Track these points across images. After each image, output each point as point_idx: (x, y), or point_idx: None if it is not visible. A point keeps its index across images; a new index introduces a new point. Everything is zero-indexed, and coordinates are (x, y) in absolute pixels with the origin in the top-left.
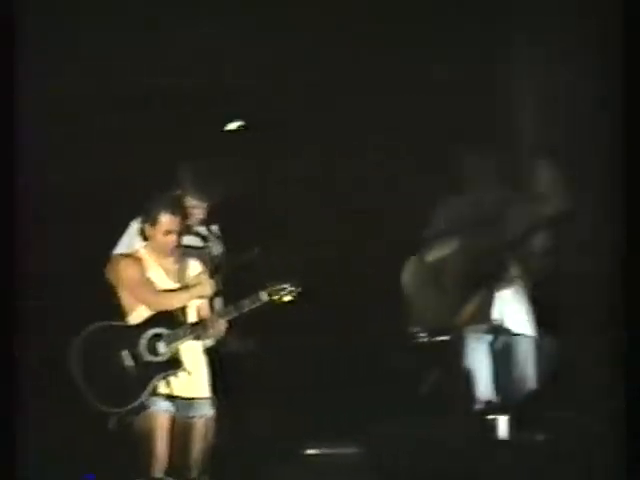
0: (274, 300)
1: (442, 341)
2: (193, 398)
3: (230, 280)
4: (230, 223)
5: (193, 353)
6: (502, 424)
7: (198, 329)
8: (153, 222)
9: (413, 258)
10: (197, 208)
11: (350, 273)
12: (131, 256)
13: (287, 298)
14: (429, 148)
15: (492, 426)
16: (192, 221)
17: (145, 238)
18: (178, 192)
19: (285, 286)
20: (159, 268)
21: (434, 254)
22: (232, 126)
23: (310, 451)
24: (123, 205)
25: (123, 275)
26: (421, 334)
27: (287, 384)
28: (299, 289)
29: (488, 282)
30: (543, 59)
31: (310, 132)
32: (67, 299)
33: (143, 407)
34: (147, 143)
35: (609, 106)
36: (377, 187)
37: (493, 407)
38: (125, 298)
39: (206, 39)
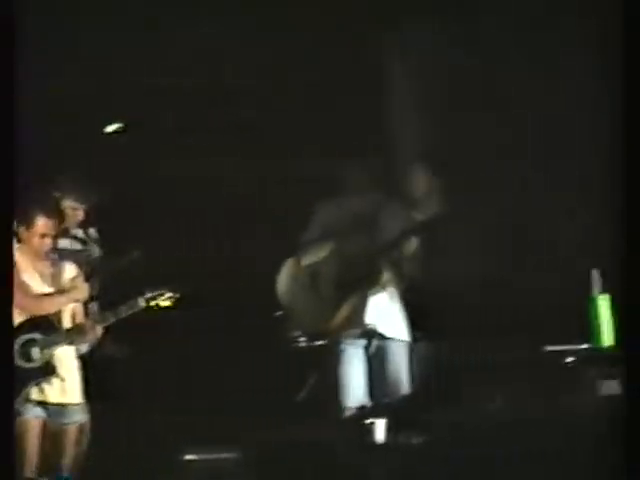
0: (152, 306)
1: (319, 346)
2: (66, 404)
3: (108, 285)
4: (110, 226)
5: (67, 359)
6: (379, 428)
7: (73, 335)
8: (28, 225)
9: (289, 261)
10: (75, 210)
11: (228, 277)
12: None
13: (165, 304)
14: (305, 151)
15: (369, 430)
16: (70, 223)
17: (19, 240)
18: (55, 194)
19: (163, 292)
20: (34, 272)
21: (309, 257)
22: (110, 128)
23: (188, 457)
24: None
25: None
26: (300, 338)
27: (164, 390)
28: (177, 295)
29: (361, 286)
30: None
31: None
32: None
33: (16, 414)
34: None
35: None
36: (253, 189)
37: (367, 411)
38: None
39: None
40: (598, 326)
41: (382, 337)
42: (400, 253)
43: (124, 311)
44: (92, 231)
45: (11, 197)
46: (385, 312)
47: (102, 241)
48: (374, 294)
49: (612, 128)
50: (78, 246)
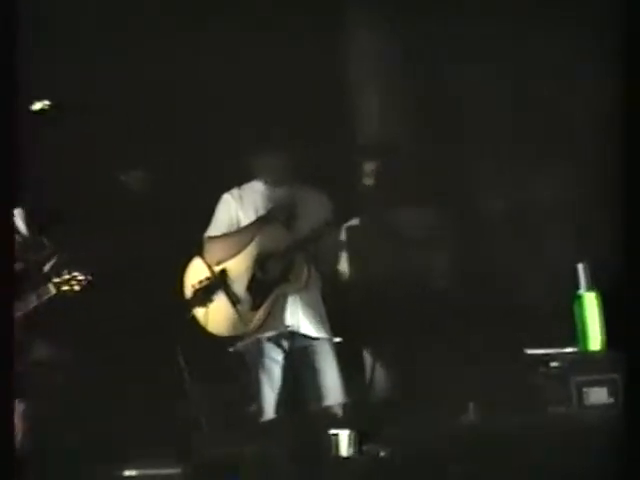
0: (64, 291)
1: (238, 351)
2: None
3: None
4: None
5: None
6: (343, 440)
7: None
8: None
9: (195, 259)
10: None
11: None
12: None
13: (77, 288)
14: (219, 139)
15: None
16: None
17: None
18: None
19: (73, 275)
20: None
21: (218, 254)
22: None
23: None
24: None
25: None
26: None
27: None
28: (89, 277)
29: (279, 284)
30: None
31: None
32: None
33: None
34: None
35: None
36: (165, 181)
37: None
38: None
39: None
40: (585, 327)
41: (307, 338)
42: (320, 247)
43: (35, 300)
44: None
45: (11, 198)
46: (306, 312)
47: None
48: (293, 292)
49: (613, 127)
50: None
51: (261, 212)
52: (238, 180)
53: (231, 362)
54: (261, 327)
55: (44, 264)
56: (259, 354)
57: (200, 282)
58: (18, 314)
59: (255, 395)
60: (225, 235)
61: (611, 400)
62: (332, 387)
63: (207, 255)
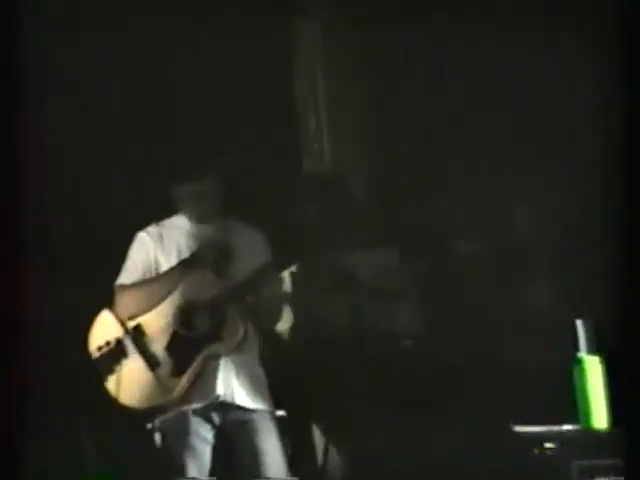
0: None
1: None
2: None
3: None
4: None
5: None
6: None
7: None
8: None
9: (103, 313)
10: None
11: None
12: None
13: None
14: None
15: None
16: None
17: None
18: None
19: None
20: None
21: (130, 306)
22: None
23: None
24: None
25: None
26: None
27: None
28: None
29: (207, 344)
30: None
31: None
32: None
33: None
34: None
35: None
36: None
37: None
38: None
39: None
40: (587, 399)
41: (242, 410)
42: (257, 298)
43: None
44: None
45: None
46: (242, 377)
47: None
48: (225, 354)
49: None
50: None
51: (185, 254)
52: (157, 214)
53: (149, 441)
54: (186, 397)
55: None
56: (183, 431)
57: (100, 348)
58: None
59: None
60: (140, 282)
61: None
62: (274, 471)
63: (118, 307)
